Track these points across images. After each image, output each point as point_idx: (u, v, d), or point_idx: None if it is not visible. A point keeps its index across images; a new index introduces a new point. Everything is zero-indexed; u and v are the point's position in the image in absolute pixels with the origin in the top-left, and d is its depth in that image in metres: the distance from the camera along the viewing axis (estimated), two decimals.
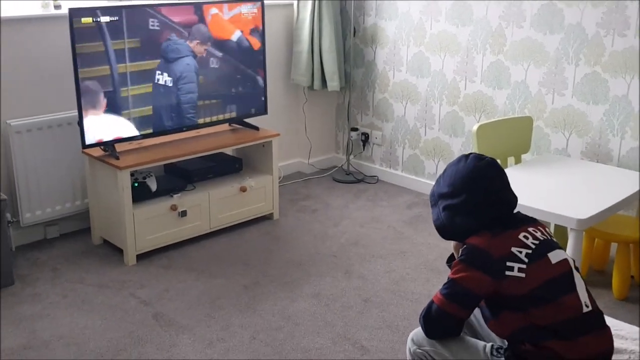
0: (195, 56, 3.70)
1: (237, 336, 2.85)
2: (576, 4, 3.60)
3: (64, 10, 3.44)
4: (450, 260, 2.05)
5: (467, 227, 1.87)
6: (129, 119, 3.51)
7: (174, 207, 3.58)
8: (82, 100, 3.31)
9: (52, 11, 3.56)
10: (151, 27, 3.49)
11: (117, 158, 3.42)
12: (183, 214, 3.63)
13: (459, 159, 1.95)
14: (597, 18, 3.53)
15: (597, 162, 3.65)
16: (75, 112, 3.43)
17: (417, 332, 1.97)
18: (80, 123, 3.35)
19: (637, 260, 3.25)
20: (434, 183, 2.04)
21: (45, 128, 3.55)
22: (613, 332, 1.91)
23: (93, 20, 3.27)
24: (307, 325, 2.94)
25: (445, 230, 1.95)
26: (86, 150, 3.51)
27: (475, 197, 1.87)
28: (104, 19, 3.30)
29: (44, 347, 2.76)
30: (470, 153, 1.97)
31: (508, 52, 3.96)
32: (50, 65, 3.55)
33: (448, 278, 1.85)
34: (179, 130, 3.76)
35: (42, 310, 3.03)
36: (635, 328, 2.14)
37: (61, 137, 3.61)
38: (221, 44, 3.82)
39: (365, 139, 4.91)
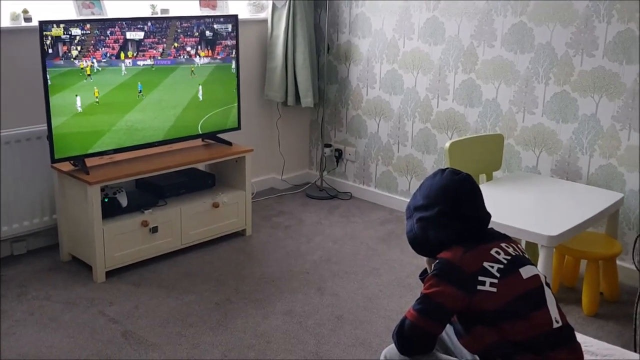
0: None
1: (207, 354, 2.81)
2: (546, 24, 3.66)
3: (34, 23, 3.40)
4: (424, 274, 2.05)
5: (439, 240, 1.88)
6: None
7: (145, 223, 3.54)
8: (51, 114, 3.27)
9: (22, 24, 3.51)
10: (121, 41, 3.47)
11: (87, 173, 3.37)
12: (154, 230, 3.58)
13: (435, 173, 1.97)
14: (567, 38, 3.59)
15: (567, 179, 3.70)
16: (44, 126, 3.38)
17: (390, 349, 1.96)
18: (50, 137, 3.30)
19: (607, 277, 3.29)
20: (407, 199, 2.04)
21: (13, 142, 3.49)
22: (583, 348, 1.92)
23: (64, 33, 3.24)
24: (279, 343, 2.91)
25: (417, 243, 1.95)
26: (55, 165, 3.45)
27: (448, 209, 1.88)
28: (75, 31, 3.27)
29: None
30: (447, 168, 1.98)
31: (479, 70, 4.01)
32: (19, 79, 3.49)
33: (420, 293, 1.85)
34: (151, 145, 3.73)
35: (8, 329, 2.95)
36: (604, 344, 2.16)
37: (30, 151, 3.55)
38: (193, 60, 3.81)
39: (339, 155, 4.92)
